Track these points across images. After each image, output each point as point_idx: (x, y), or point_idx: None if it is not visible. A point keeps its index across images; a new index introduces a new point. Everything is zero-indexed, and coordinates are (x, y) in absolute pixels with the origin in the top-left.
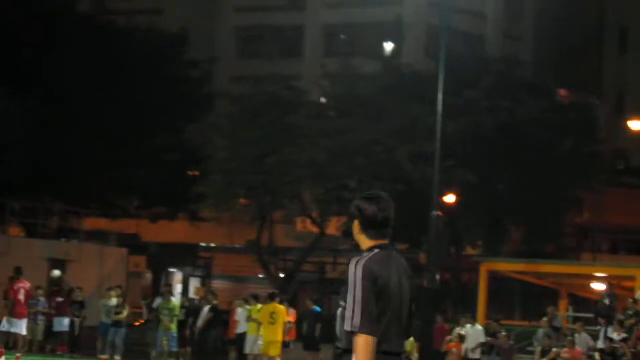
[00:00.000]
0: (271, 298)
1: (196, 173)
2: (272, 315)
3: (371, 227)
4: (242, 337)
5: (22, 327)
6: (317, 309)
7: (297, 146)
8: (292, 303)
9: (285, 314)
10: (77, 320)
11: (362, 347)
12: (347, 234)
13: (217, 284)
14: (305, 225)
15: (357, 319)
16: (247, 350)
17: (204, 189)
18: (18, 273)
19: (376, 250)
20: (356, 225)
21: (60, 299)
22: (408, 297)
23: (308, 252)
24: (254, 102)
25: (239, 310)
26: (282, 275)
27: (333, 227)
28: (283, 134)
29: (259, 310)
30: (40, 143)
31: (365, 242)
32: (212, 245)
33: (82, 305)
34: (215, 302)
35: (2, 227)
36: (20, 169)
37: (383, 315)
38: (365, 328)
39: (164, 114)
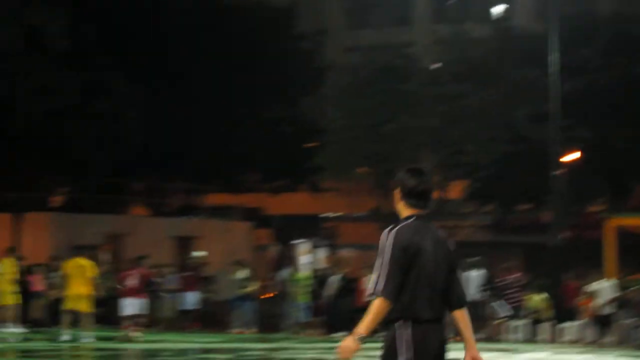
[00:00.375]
0: None
1: (314, 144)
2: None
3: (410, 197)
4: None
5: (138, 308)
6: None
7: (412, 113)
8: None
9: None
10: (206, 296)
11: (375, 307)
12: (470, 197)
13: (343, 253)
14: None
15: (380, 285)
16: None
17: (323, 160)
18: (139, 259)
19: (412, 220)
20: (396, 194)
21: (188, 275)
22: (444, 267)
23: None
24: (366, 72)
25: (367, 278)
26: None
27: (455, 191)
28: (398, 101)
29: None
30: (160, 122)
31: (403, 210)
32: (335, 214)
33: (210, 280)
34: (344, 271)
35: (126, 207)
36: (141, 149)
37: (413, 283)
38: (383, 292)
39: (277, 88)
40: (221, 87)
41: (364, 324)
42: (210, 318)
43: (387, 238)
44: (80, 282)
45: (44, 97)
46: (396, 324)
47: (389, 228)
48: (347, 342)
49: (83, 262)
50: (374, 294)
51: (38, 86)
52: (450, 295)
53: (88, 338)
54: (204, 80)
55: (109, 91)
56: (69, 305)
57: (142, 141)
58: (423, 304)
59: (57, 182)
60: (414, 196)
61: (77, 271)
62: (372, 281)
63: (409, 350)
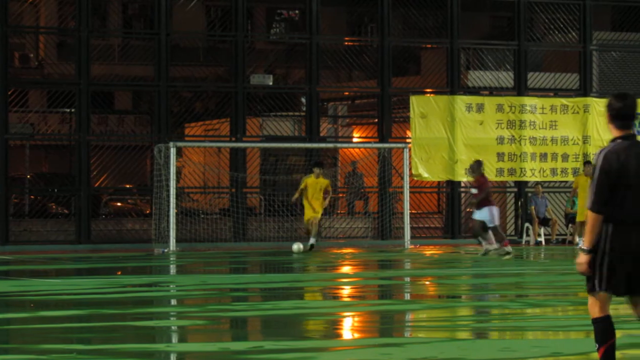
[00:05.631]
0: None
1: None
2: None
3: (616, 119)
4: None
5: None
6: None
7: None
8: None
9: None
10: None
11: (591, 219)
12: None
13: None
14: None
15: (591, 200)
16: None
17: None
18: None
19: (619, 141)
20: (606, 118)
21: None
22: None
23: None
24: None
25: None
26: None
27: None
28: None
29: None
30: None
31: (613, 132)
32: None
33: None
34: None
35: None
36: None
37: (618, 196)
38: (594, 207)
39: None
40: None
41: (587, 238)
42: None
43: (597, 160)
44: None
45: None
46: (603, 226)
47: (600, 150)
48: (580, 258)
49: None
50: (589, 208)
51: None
52: None
53: None
54: None
55: None
56: None
57: None
58: (629, 209)
59: None
60: (619, 119)
61: None
62: (587, 196)
63: (607, 244)
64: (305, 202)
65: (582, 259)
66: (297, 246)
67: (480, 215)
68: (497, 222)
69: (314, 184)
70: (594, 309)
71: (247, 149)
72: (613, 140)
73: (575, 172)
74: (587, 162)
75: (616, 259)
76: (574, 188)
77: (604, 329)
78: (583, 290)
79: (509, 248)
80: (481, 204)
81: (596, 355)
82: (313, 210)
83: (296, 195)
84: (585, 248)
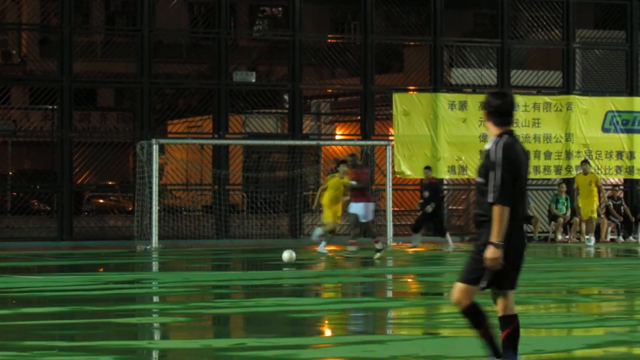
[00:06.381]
0: None
1: None
2: None
3: (495, 116)
4: None
5: None
6: None
7: None
8: None
9: None
10: None
11: (500, 213)
12: None
13: None
14: None
15: (497, 194)
16: None
17: None
18: None
19: (505, 136)
20: (484, 115)
21: None
22: (526, 174)
23: None
24: None
25: None
26: None
27: None
28: None
29: None
30: None
31: (492, 129)
32: None
33: None
34: None
35: None
36: None
37: (517, 190)
38: (501, 200)
39: None
40: None
41: (497, 232)
42: None
43: (495, 153)
44: None
45: None
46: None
47: (493, 144)
48: (494, 252)
49: None
50: (493, 202)
51: None
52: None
53: None
54: None
55: None
56: None
57: None
58: (520, 206)
59: None
60: (498, 116)
61: None
62: (488, 191)
63: (507, 239)
64: (327, 204)
65: (496, 253)
66: (288, 254)
67: (355, 209)
68: (370, 217)
69: (338, 186)
70: (463, 298)
71: (230, 146)
72: (499, 135)
73: (557, 170)
74: (584, 161)
75: (513, 256)
76: (576, 187)
77: (476, 312)
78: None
79: (379, 245)
80: (358, 198)
81: (580, 352)
82: (336, 216)
83: (317, 200)
84: (496, 242)
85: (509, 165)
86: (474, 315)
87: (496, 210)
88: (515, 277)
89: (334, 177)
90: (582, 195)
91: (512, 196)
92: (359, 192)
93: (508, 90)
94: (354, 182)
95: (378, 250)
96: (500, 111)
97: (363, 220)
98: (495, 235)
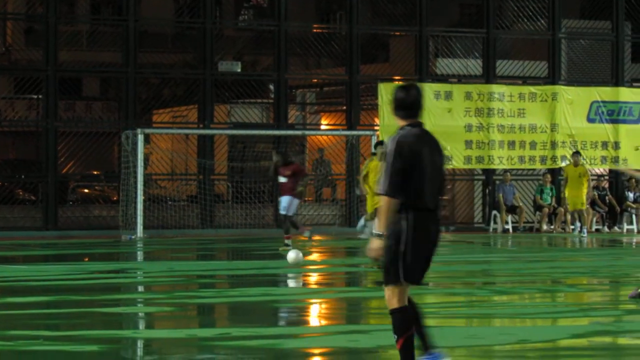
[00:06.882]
0: None
1: None
2: None
3: (400, 109)
4: None
5: None
6: None
7: None
8: None
9: None
10: None
11: (385, 204)
12: None
13: None
14: None
15: (385, 185)
16: None
17: None
18: None
19: (408, 128)
20: (391, 109)
21: None
22: (439, 166)
23: None
24: None
25: None
26: None
27: None
28: None
29: None
30: None
31: (398, 121)
32: None
33: None
34: None
35: None
36: None
37: (415, 181)
38: (389, 191)
39: None
40: None
41: (381, 223)
42: None
43: (390, 146)
44: None
45: None
46: (402, 214)
47: (391, 137)
48: (374, 243)
49: None
50: (381, 194)
51: None
52: (443, 188)
53: None
54: None
55: None
56: None
57: None
58: (425, 197)
59: None
60: (403, 109)
61: None
62: (379, 182)
63: (409, 233)
64: (369, 191)
65: (376, 244)
66: (294, 255)
67: (282, 200)
68: (291, 212)
69: (379, 168)
70: (392, 300)
71: (215, 135)
72: (402, 127)
73: (543, 160)
74: (576, 153)
75: (418, 249)
76: (565, 177)
77: (403, 319)
78: (550, 278)
79: (289, 241)
80: (287, 191)
81: (565, 342)
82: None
83: (362, 187)
84: (379, 233)
85: (402, 157)
86: (397, 320)
87: (383, 201)
88: (421, 270)
89: (372, 160)
90: (571, 187)
91: (407, 188)
92: (288, 187)
93: (414, 83)
94: (283, 179)
95: (287, 245)
96: (405, 104)
97: (283, 212)
98: (378, 226)
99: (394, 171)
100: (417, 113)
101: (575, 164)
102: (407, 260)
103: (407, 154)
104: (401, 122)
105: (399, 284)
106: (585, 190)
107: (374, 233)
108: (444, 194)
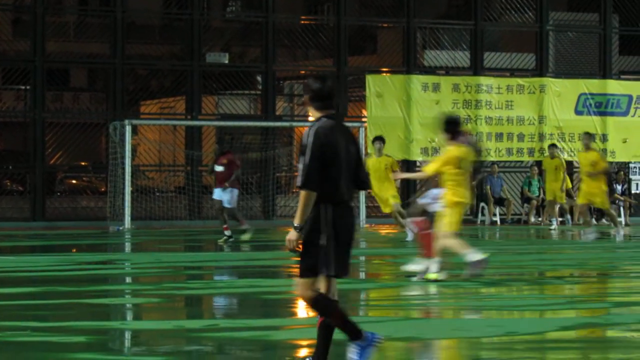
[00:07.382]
0: None
1: None
2: None
3: (315, 100)
4: None
5: None
6: None
7: None
8: None
9: None
10: None
11: (304, 197)
12: None
13: None
14: None
15: (303, 178)
16: None
17: None
18: None
19: (324, 119)
20: (305, 99)
21: None
22: (354, 158)
23: None
24: None
25: None
26: None
27: None
28: None
29: None
30: None
31: (313, 113)
32: None
33: None
34: None
35: None
36: None
37: (332, 173)
38: (308, 184)
39: None
40: None
41: (299, 215)
42: None
43: (307, 138)
44: None
45: None
46: (320, 206)
47: (309, 128)
48: (291, 235)
49: None
50: (300, 187)
51: None
52: (360, 181)
53: None
54: None
55: None
56: None
57: None
58: (340, 189)
59: None
60: (319, 100)
61: None
62: (298, 175)
63: (329, 226)
64: (375, 191)
65: (294, 235)
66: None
67: (222, 194)
68: (234, 204)
69: (377, 165)
70: (307, 292)
71: (203, 127)
72: (318, 119)
73: (530, 152)
74: (552, 145)
75: (338, 241)
76: (544, 169)
77: (324, 302)
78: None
79: (228, 232)
80: (222, 180)
81: (553, 334)
82: (384, 202)
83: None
84: (297, 225)
85: (320, 150)
86: (321, 305)
87: (301, 194)
88: (344, 262)
89: (369, 156)
90: (548, 179)
91: (325, 180)
92: (223, 176)
93: (328, 74)
94: (219, 168)
95: (229, 237)
96: (321, 95)
97: (227, 206)
98: (296, 218)
99: (312, 164)
100: (332, 104)
101: (552, 156)
102: (329, 254)
103: (325, 146)
104: (317, 114)
105: (316, 276)
106: (561, 183)
107: (294, 225)
108: (361, 187)
